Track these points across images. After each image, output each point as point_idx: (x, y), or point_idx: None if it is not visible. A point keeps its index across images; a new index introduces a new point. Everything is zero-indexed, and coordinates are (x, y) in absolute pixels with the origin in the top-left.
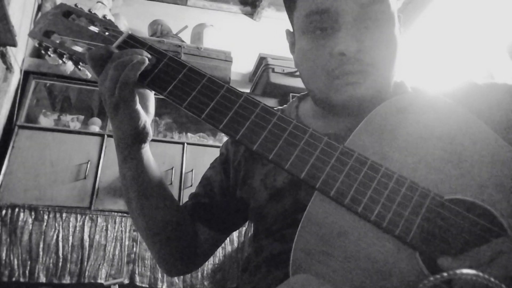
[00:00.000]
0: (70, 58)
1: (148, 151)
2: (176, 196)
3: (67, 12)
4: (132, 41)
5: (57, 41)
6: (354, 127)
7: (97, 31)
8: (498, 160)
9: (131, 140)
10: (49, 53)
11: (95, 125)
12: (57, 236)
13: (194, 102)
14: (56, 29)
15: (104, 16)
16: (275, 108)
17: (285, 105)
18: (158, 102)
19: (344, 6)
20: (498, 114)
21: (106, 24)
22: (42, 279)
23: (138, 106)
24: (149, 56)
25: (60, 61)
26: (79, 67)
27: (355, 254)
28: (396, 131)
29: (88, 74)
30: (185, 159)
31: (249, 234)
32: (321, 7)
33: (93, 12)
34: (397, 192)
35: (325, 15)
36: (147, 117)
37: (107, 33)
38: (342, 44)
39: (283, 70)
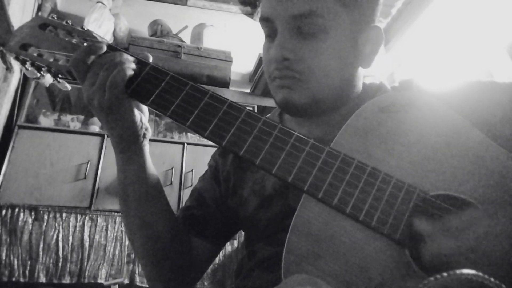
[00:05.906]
0: (48, 71)
1: (148, 152)
2: (176, 196)
3: (43, 25)
4: (112, 51)
5: (35, 54)
6: (338, 129)
7: (75, 42)
8: (480, 155)
9: (132, 136)
10: (26, 66)
11: (95, 125)
12: (57, 236)
13: (178, 111)
14: (33, 42)
15: (82, 27)
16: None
17: (268, 114)
18: None
19: (278, 16)
20: (503, 111)
21: (84, 34)
22: (42, 279)
23: (132, 103)
24: (132, 59)
25: (38, 74)
26: (58, 79)
27: (345, 254)
28: (379, 130)
29: (68, 86)
30: (185, 159)
31: None
32: (264, 15)
33: (70, 23)
34: (383, 190)
35: (268, 23)
36: (142, 114)
37: (85, 44)
38: (272, 51)
39: None
